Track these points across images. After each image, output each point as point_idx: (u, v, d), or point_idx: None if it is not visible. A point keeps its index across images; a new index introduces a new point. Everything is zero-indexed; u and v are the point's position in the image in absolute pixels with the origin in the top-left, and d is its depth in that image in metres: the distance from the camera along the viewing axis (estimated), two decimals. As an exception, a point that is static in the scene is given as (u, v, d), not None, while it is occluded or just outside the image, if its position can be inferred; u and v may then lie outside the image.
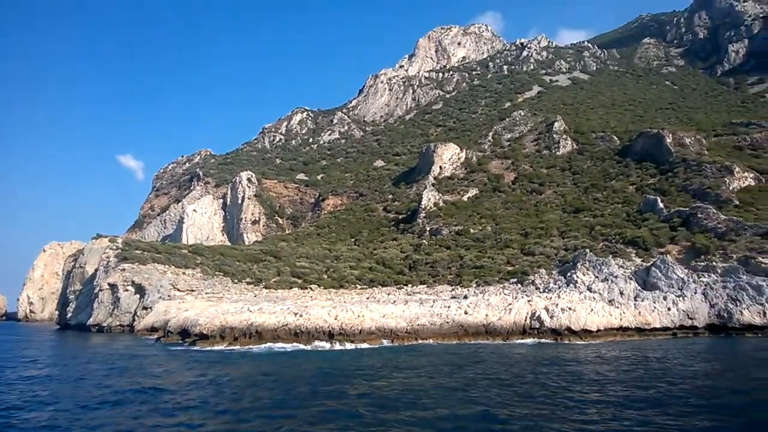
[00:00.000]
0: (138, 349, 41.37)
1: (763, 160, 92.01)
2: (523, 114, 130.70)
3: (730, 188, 78.53)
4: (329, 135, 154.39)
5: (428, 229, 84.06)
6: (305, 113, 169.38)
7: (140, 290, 63.35)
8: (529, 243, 67.86)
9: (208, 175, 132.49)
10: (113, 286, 66.15)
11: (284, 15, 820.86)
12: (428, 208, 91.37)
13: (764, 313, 41.80)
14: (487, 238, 75.82)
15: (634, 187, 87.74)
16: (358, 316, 40.01)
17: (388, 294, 53.61)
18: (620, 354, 31.56)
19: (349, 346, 36.96)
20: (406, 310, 41.24)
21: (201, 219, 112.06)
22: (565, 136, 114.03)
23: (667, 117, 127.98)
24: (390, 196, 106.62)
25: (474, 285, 55.50)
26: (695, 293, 43.67)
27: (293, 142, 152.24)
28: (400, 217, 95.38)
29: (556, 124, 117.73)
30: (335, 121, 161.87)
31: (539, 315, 39.11)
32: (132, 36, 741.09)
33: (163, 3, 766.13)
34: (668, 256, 50.24)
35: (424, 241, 79.04)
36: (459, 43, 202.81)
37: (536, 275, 52.65)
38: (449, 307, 41.40)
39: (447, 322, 39.33)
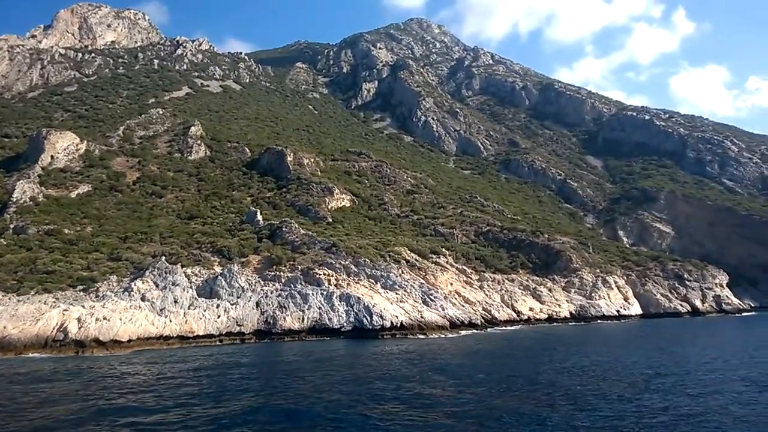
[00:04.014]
0: None
1: (362, 185, 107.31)
2: (161, 113, 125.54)
3: (329, 207, 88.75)
4: None
5: (12, 226, 71.94)
6: None
7: None
8: (121, 248, 63.68)
9: None
10: None
11: None
12: (22, 202, 78.66)
13: (303, 319, 46.88)
14: (81, 240, 68.66)
15: (251, 198, 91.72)
16: None
17: None
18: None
19: None
20: None
21: None
22: (199, 142, 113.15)
23: (301, 138, 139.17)
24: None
25: (33, 293, 48.69)
26: (249, 301, 46.46)
27: None
28: (-17, 210, 79.61)
29: (192, 128, 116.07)
30: None
31: (67, 326, 35.83)
32: None
33: None
34: (236, 266, 52.68)
35: (2, 240, 67.20)
36: (109, 26, 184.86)
37: (105, 282, 49.05)
38: (-44, 320, 34.74)
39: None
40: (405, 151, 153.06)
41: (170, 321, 40.05)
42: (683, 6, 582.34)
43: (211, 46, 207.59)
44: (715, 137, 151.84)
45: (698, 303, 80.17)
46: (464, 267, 71.04)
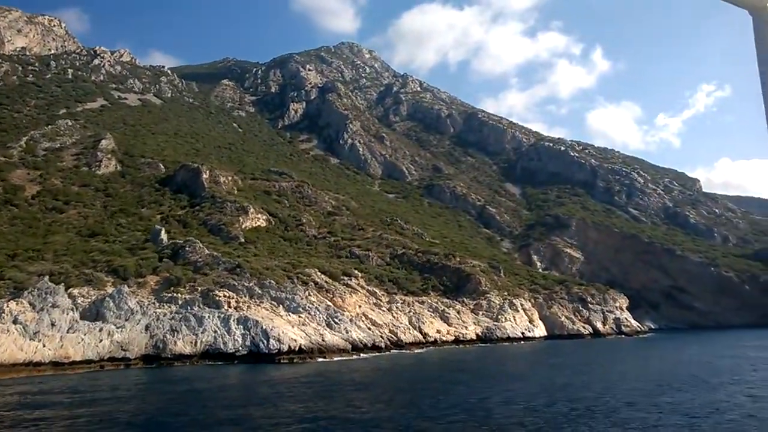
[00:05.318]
0: None
1: (281, 205, 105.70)
2: (71, 124, 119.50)
3: (243, 226, 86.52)
4: None
5: None
6: None
7: None
8: (6, 266, 59.19)
9: None
10: None
11: None
12: None
13: (195, 343, 44.93)
14: (-38, 257, 63.52)
15: (161, 216, 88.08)
16: None
17: None
18: None
19: None
20: None
21: None
22: (110, 156, 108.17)
23: (222, 156, 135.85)
24: None
25: None
26: (138, 324, 44.10)
27: None
28: None
29: (103, 141, 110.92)
30: None
31: None
32: None
33: None
34: (126, 287, 50.07)
35: None
36: (19, 31, 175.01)
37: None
38: None
39: None
40: (330, 173, 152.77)
41: (43, 346, 37.24)
42: (600, 46, 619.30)
43: (133, 58, 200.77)
44: (624, 169, 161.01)
45: (599, 325, 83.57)
46: (375, 289, 70.81)
